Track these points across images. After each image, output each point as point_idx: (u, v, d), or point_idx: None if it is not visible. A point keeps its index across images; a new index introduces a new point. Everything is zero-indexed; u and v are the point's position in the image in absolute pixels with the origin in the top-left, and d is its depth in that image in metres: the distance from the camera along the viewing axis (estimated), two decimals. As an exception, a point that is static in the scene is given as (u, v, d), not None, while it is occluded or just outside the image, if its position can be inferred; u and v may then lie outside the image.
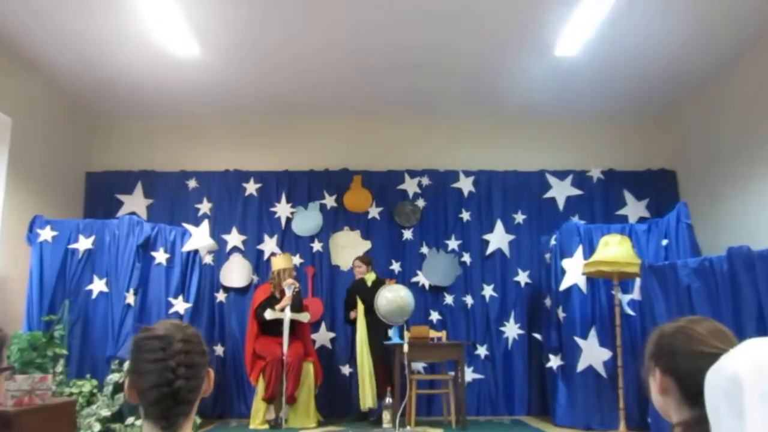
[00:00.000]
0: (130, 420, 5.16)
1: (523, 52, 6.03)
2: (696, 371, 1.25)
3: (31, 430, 3.82)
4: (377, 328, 6.33)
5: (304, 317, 6.26)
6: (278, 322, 6.09)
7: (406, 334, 6.07)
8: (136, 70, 6.27)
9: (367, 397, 6.16)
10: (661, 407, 1.44)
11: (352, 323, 6.52)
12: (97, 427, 5.02)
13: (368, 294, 6.39)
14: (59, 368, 5.23)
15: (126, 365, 4.81)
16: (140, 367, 1.37)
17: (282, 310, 6.10)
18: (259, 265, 7.18)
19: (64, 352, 5.33)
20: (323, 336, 6.98)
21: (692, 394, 1.30)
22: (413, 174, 7.47)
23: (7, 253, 5.76)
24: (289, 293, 6.09)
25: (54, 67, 6.24)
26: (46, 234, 5.68)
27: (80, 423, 4.99)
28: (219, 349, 6.89)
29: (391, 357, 6.36)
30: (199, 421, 5.65)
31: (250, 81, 6.60)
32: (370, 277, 6.58)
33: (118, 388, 5.25)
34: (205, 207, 7.28)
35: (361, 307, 6.38)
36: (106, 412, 5.10)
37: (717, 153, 6.66)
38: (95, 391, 5.32)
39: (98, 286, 5.68)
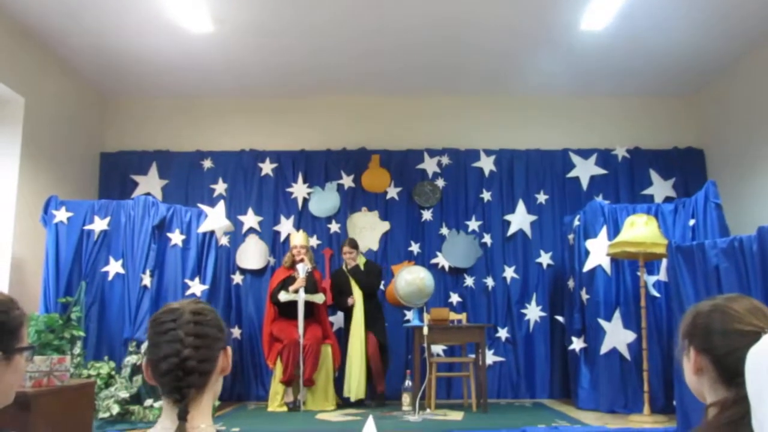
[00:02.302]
0: (148, 402, 5.17)
1: (547, 26, 5.84)
2: (732, 350, 1.25)
3: (49, 411, 3.79)
4: (377, 314, 6.25)
5: (319, 298, 6.17)
6: (295, 304, 6.01)
7: (426, 317, 5.98)
8: (151, 48, 6.19)
9: (352, 387, 6.00)
10: (695, 387, 1.39)
11: (348, 310, 6.31)
12: (116, 408, 5.02)
13: (366, 278, 6.28)
14: (77, 350, 5.22)
15: (144, 346, 4.79)
16: (154, 341, 1.41)
17: (296, 291, 6.02)
18: (276, 246, 7.11)
19: (81, 334, 5.31)
20: (341, 319, 6.87)
21: (728, 373, 1.26)
22: (433, 153, 7.33)
23: (22, 234, 5.73)
24: (302, 274, 6.01)
25: (67, 46, 6.17)
26: (62, 215, 5.63)
27: (99, 405, 4.98)
28: (236, 332, 6.86)
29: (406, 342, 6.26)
30: (217, 403, 5.61)
31: (265, 58, 6.48)
32: (361, 260, 6.43)
33: (135, 370, 5.25)
34: (220, 188, 7.21)
35: (358, 293, 6.23)
36: (124, 394, 5.10)
37: (748, 131, 6.45)
38: (113, 373, 5.30)
39: (114, 267, 5.63)
